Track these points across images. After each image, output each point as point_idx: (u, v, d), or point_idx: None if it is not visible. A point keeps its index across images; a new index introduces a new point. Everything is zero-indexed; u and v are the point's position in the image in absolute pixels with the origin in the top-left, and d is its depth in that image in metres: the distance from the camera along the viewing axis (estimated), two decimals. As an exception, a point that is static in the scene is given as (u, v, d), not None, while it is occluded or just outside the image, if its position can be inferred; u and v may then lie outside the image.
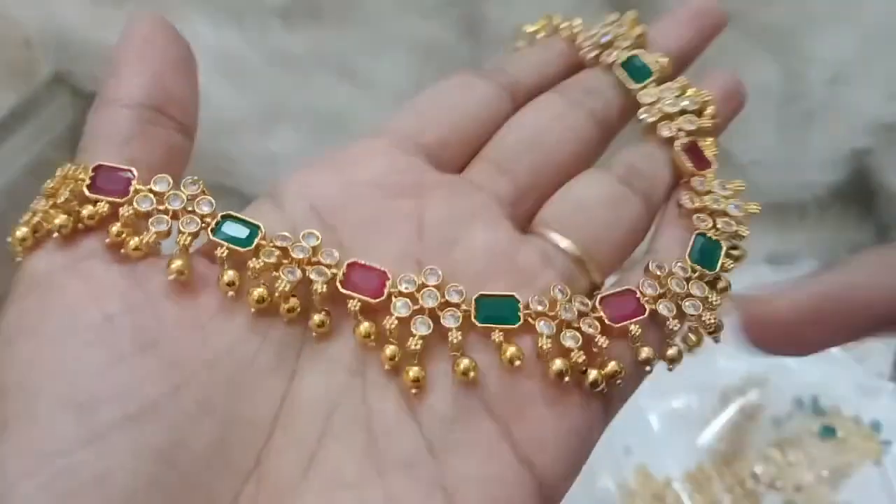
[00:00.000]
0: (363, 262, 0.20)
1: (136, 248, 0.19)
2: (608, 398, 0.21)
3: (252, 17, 0.49)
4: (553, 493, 0.20)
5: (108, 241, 0.19)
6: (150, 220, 0.20)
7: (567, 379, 0.19)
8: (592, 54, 0.26)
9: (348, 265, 0.20)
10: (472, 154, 0.24)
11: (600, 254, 0.23)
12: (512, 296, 0.20)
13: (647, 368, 0.21)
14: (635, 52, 0.26)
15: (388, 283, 0.20)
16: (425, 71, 0.51)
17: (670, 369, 0.22)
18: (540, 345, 0.20)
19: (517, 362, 0.19)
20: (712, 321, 0.22)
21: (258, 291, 0.19)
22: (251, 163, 0.52)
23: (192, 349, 0.18)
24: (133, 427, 0.17)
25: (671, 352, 0.21)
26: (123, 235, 0.19)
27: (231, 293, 0.19)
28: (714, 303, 0.22)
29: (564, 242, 0.22)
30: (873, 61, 0.51)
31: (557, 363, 0.20)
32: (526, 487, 0.19)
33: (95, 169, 0.20)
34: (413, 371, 0.19)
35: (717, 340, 0.22)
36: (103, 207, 0.20)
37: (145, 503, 0.17)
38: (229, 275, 0.19)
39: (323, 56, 0.51)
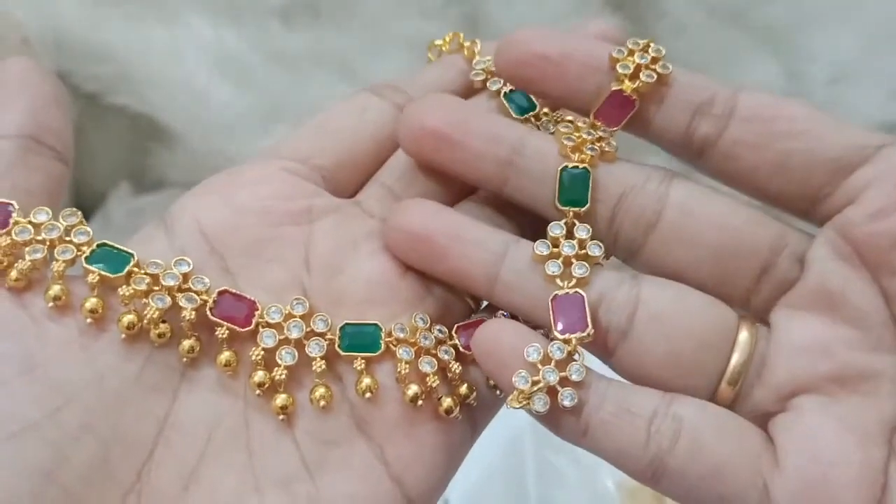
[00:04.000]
0: (234, 290, 0.21)
1: (17, 280, 0.20)
2: (473, 417, 0.22)
3: (251, 16, 0.49)
4: None
5: None
6: (27, 248, 0.20)
7: (421, 403, 0.20)
8: (479, 79, 0.26)
9: (219, 293, 0.21)
10: (370, 174, 0.24)
11: None
12: (375, 324, 0.21)
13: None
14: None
15: (258, 313, 0.21)
16: (425, 71, 0.51)
17: None
18: (399, 370, 0.21)
19: (368, 395, 0.20)
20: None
21: (128, 318, 0.20)
22: (251, 163, 0.52)
23: (75, 370, 0.19)
24: (14, 445, 0.18)
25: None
26: (4, 264, 0.20)
27: (90, 320, 0.20)
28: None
29: None
30: (874, 61, 0.51)
31: (412, 388, 0.20)
32: None
33: None
34: (280, 399, 0.20)
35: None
36: None
37: None
38: (91, 302, 0.20)
39: (322, 56, 0.51)
